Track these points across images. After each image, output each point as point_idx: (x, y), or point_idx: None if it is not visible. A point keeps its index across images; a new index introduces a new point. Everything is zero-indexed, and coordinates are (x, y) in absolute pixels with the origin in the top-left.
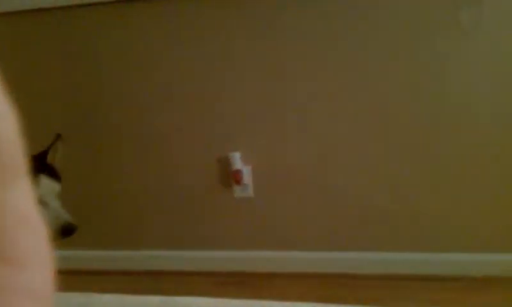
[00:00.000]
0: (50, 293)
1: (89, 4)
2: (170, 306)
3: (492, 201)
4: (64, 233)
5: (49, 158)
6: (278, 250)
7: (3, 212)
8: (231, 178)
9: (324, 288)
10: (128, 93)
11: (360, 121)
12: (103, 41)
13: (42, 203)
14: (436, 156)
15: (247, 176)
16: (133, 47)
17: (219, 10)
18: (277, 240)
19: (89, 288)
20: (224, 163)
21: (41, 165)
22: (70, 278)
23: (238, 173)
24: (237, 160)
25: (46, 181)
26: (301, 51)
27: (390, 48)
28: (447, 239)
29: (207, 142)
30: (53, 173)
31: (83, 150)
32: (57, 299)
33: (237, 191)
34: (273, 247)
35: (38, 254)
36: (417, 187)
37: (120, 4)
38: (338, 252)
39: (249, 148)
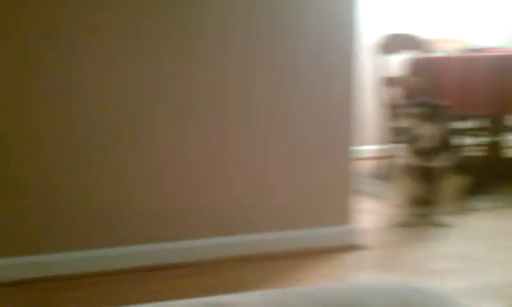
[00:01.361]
0: None
1: None
2: None
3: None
4: None
5: None
6: None
7: None
8: None
9: (36, 293)
10: None
11: (86, 121)
12: None
13: None
14: (170, 152)
15: None
16: None
17: None
18: None
19: None
20: None
21: None
22: None
23: None
24: None
25: None
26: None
27: (113, 48)
28: (165, 229)
29: None
30: None
31: None
32: None
33: None
34: None
35: None
36: (137, 181)
37: None
38: (55, 254)
39: None
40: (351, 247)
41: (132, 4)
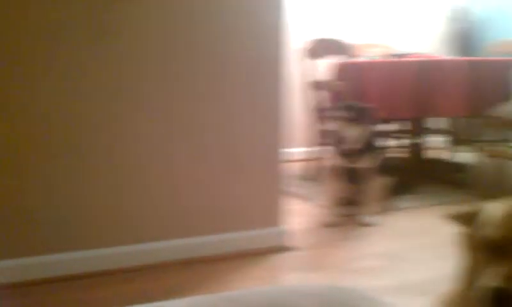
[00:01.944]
0: None
1: None
2: None
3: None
4: None
5: None
6: None
7: None
8: None
9: None
10: None
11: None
12: None
13: None
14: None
15: None
16: None
17: None
18: None
19: None
20: None
21: None
22: None
23: None
24: None
25: None
26: None
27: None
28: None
29: None
30: None
31: None
32: None
33: None
34: None
35: None
36: (67, 187)
37: None
38: None
39: None
40: (281, 249)
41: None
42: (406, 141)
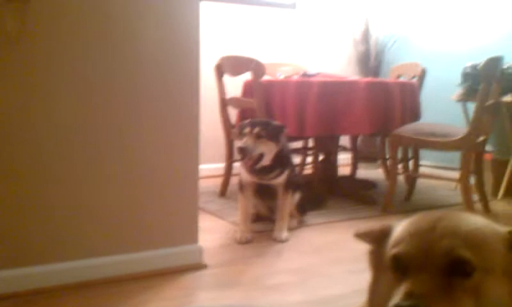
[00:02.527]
0: None
1: None
2: None
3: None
4: None
5: None
6: None
7: None
8: None
9: None
10: None
11: None
12: None
13: None
14: None
15: None
16: None
17: None
18: None
19: None
20: None
21: None
22: None
23: None
24: None
25: None
26: None
27: None
28: None
29: None
30: None
31: None
32: None
33: None
34: None
35: None
36: None
37: None
38: None
39: None
40: (195, 267)
41: None
42: (316, 158)
